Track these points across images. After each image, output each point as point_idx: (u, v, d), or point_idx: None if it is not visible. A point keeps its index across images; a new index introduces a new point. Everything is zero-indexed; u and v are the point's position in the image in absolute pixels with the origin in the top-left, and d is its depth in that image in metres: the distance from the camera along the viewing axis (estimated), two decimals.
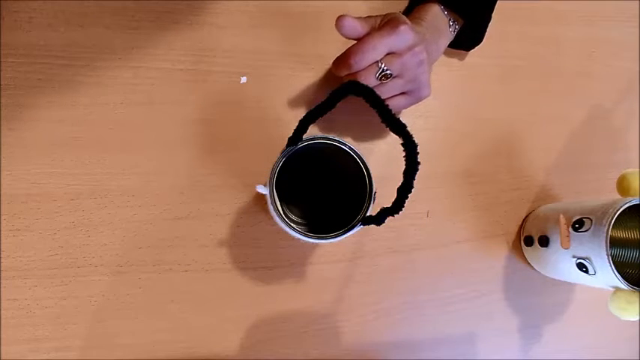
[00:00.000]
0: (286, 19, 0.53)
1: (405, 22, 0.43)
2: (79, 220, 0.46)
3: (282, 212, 0.38)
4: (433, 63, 0.50)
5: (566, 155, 0.59)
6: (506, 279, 0.56)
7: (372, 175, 0.38)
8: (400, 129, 0.33)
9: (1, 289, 0.44)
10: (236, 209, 0.49)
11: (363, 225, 0.37)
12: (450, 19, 0.49)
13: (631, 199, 0.44)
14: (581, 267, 0.46)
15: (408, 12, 0.51)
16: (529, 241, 0.54)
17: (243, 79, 0.51)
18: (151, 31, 0.49)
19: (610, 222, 0.43)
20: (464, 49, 0.55)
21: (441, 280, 0.54)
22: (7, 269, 0.45)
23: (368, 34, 0.43)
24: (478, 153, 0.56)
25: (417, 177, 0.48)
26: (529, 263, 0.56)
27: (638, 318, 0.42)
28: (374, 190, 0.38)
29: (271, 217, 0.42)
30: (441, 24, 0.49)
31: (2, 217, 0.45)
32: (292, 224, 0.38)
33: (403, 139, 0.33)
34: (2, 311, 0.44)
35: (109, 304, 0.46)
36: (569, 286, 0.58)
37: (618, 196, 0.47)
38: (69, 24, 0.48)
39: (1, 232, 0.45)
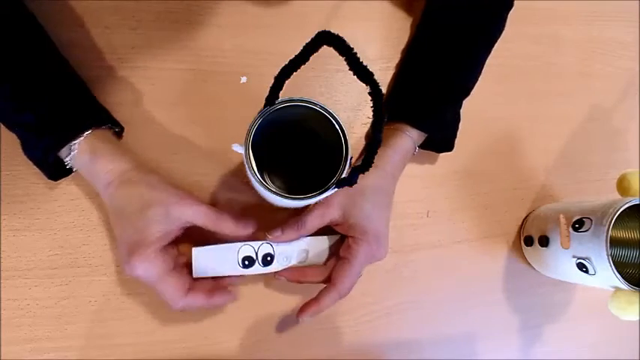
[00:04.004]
0: (286, 19, 0.53)
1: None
2: (79, 220, 0.46)
3: (257, 171, 0.37)
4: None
5: (566, 155, 0.60)
6: (506, 279, 0.56)
7: (348, 137, 0.38)
8: (368, 77, 0.32)
9: (1, 289, 0.44)
10: (236, 209, 0.49)
11: (338, 187, 0.37)
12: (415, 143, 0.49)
13: (631, 199, 0.44)
14: (581, 267, 0.46)
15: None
16: (529, 241, 0.54)
17: (243, 79, 0.51)
18: (151, 31, 0.49)
19: (610, 222, 0.43)
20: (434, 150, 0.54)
21: (441, 280, 0.54)
22: (7, 269, 0.45)
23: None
24: (478, 153, 0.56)
25: (416, 176, 0.48)
26: (529, 263, 0.56)
27: (638, 318, 0.42)
28: (350, 155, 0.37)
29: (256, 191, 0.41)
30: (400, 157, 0.48)
31: (2, 217, 0.45)
32: (269, 185, 0.37)
33: (370, 87, 0.32)
34: (2, 311, 0.44)
35: (109, 304, 0.46)
36: (569, 286, 0.58)
37: (618, 196, 0.47)
38: (69, 24, 0.48)
39: (1, 232, 0.45)
